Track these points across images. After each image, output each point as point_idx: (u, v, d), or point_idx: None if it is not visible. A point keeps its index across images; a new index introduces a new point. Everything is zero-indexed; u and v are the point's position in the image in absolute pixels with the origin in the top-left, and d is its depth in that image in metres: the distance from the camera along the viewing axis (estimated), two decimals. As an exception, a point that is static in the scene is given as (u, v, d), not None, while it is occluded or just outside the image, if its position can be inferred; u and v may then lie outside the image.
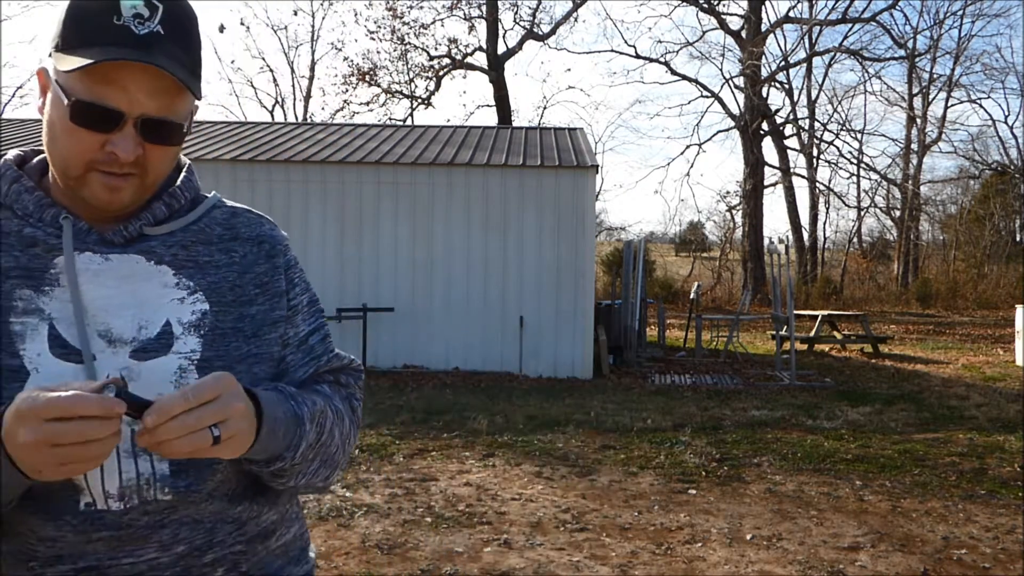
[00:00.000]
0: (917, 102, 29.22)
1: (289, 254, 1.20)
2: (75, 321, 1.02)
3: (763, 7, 25.07)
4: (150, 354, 1.04)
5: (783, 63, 27.28)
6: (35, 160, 1.12)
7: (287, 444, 1.06)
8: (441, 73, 25.49)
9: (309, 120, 29.09)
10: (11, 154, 1.12)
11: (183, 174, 1.14)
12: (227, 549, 1.08)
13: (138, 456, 1.01)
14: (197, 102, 1.07)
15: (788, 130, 27.71)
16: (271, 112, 33.27)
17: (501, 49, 24.42)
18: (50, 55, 1.01)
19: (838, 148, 37.43)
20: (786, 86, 28.01)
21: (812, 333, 13.26)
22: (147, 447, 0.90)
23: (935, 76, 28.51)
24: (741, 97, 26.20)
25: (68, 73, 0.96)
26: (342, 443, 1.17)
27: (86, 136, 0.98)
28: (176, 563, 1.04)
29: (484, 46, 24.54)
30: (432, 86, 25.79)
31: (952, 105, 30.20)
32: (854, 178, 33.65)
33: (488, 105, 25.92)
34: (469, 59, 25.09)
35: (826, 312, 14.02)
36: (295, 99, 39.24)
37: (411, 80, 25.90)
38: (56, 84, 0.99)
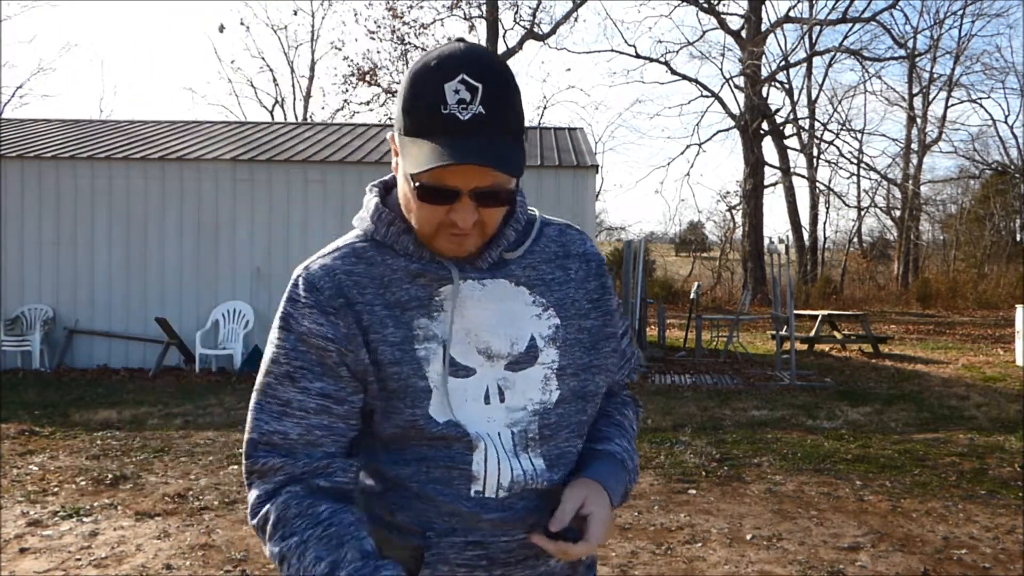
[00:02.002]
0: (917, 102, 29.23)
1: (604, 267, 1.35)
2: (463, 341, 1.19)
3: (763, 7, 25.07)
4: (522, 366, 1.21)
5: (783, 63, 27.27)
6: (394, 194, 1.25)
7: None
8: (441, 73, 25.42)
9: (309, 120, 29.08)
10: (373, 192, 1.27)
11: (518, 198, 1.27)
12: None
13: (519, 455, 1.20)
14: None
15: (788, 130, 27.70)
16: (271, 112, 33.28)
17: (501, 49, 24.42)
18: (395, 128, 1.16)
19: (838, 148, 37.39)
20: (786, 86, 28.02)
21: (812, 333, 13.26)
22: (555, 551, 1.16)
23: (935, 76, 28.52)
24: (741, 97, 26.20)
25: (404, 136, 1.13)
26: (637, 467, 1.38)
27: (432, 209, 1.13)
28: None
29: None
30: (432, 86, 25.71)
31: (952, 105, 30.24)
32: (854, 178, 33.62)
33: (488, 105, 25.84)
34: (469, 59, 25.03)
35: (826, 312, 14.01)
36: (295, 99, 39.20)
37: (411, 80, 25.83)
38: (407, 170, 1.13)
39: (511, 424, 1.20)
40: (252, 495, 1.19)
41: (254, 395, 1.22)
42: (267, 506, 1.16)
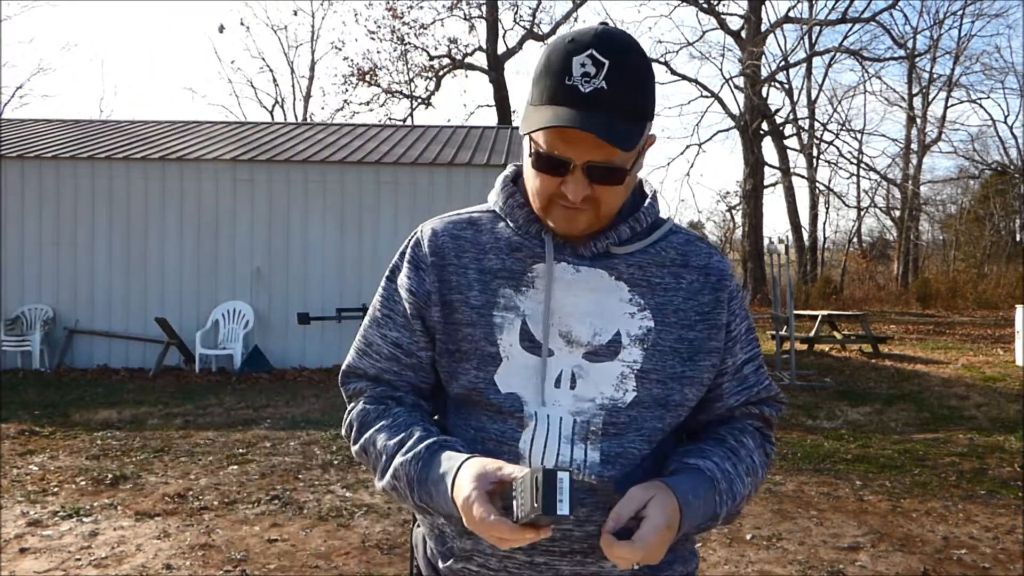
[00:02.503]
0: (917, 102, 29.22)
1: (732, 284, 1.31)
2: (542, 321, 1.20)
3: (763, 7, 25.05)
4: (600, 358, 1.21)
5: (783, 63, 27.26)
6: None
7: (698, 533, 1.24)
8: (441, 73, 25.48)
9: (309, 120, 29.08)
10: (509, 169, 1.33)
11: (648, 200, 1.29)
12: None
13: (575, 444, 1.18)
14: (651, 133, 1.20)
15: (788, 130, 27.70)
16: (271, 112, 33.30)
17: (501, 49, 24.42)
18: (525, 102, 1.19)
19: (838, 148, 37.46)
20: (786, 86, 28.02)
21: (812, 333, 13.25)
22: (606, 548, 1.09)
23: (935, 76, 28.50)
24: (741, 97, 26.19)
25: (530, 107, 1.16)
26: (750, 497, 1.29)
27: (545, 179, 1.16)
28: (584, 539, 1.18)
29: (484, 46, 24.53)
30: (432, 86, 25.79)
31: (952, 105, 30.24)
32: (854, 178, 33.68)
33: (488, 105, 25.91)
34: (469, 59, 25.09)
35: (826, 312, 14.00)
36: (295, 99, 39.23)
37: (411, 80, 25.91)
38: (528, 136, 1.18)
39: (576, 413, 1.19)
40: (347, 411, 1.34)
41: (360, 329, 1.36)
42: (350, 416, 1.31)
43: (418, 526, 1.36)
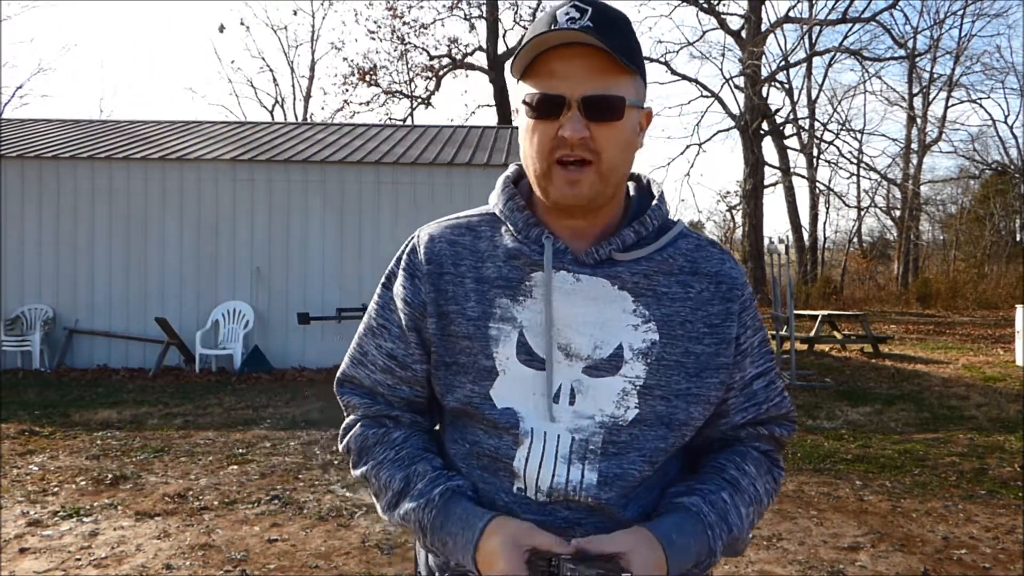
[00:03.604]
0: (917, 102, 29.23)
1: (746, 294, 1.22)
2: (542, 332, 1.14)
3: (763, 7, 25.06)
4: (600, 372, 1.14)
5: (783, 63, 27.27)
6: (526, 179, 1.23)
7: (693, 570, 1.16)
8: (441, 73, 25.48)
9: (309, 120, 29.07)
10: (511, 169, 1.26)
11: (655, 201, 1.21)
12: None
13: (572, 463, 1.13)
14: (643, 97, 1.14)
15: (788, 130, 27.71)
16: (271, 112, 33.31)
17: (501, 49, 24.41)
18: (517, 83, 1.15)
19: (838, 148, 37.47)
20: (786, 86, 28.03)
21: (812, 333, 13.25)
22: None
23: (935, 76, 28.52)
24: (741, 97, 26.21)
25: (519, 82, 1.12)
26: (752, 525, 1.23)
27: (540, 128, 1.09)
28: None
29: (484, 46, 24.53)
30: (432, 86, 25.80)
31: (952, 105, 30.24)
32: (854, 178, 33.66)
33: (488, 105, 25.92)
34: (469, 59, 25.09)
35: (826, 312, 14.00)
36: (295, 99, 39.23)
37: (411, 80, 25.92)
38: (520, 102, 1.13)
39: (575, 430, 1.13)
40: (343, 425, 1.30)
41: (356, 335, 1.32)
42: (347, 437, 1.27)
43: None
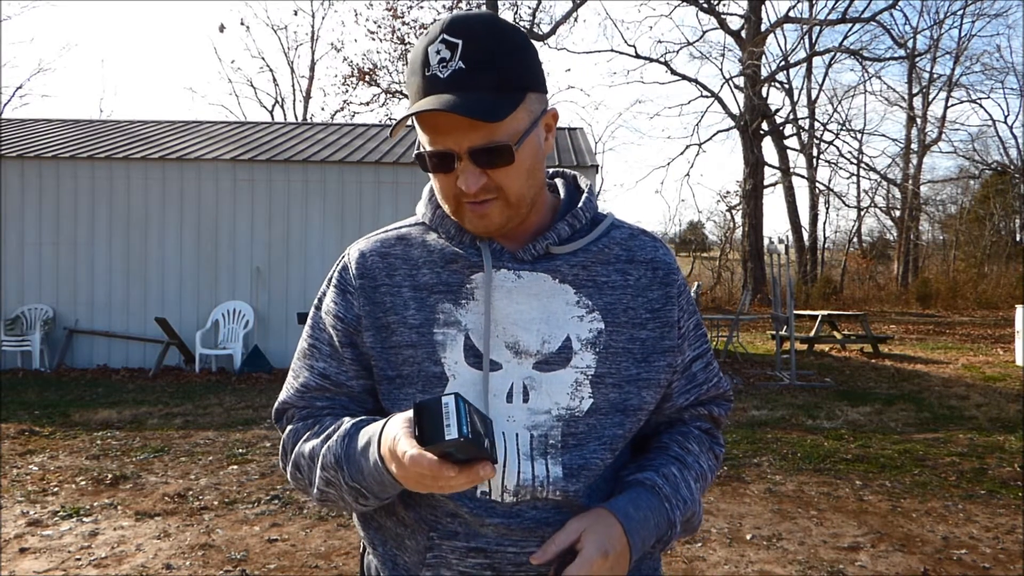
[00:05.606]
0: (917, 102, 29.24)
1: (680, 279, 1.24)
2: (484, 334, 1.13)
3: (763, 7, 25.06)
4: (551, 366, 1.14)
5: (783, 63, 27.27)
6: None
7: (656, 546, 1.19)
8: (441, 73, 25.42)
9: (309, 120, 29.08)
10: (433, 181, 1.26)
11: (585, 195, 1.22)
12: None
13: (535, 460, 1.12)
14: (540, 107, 1.12)
15: (788, 130, 27.71)
16: (271, 112, 33.31)
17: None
18: None
19: (838, 148, 37.52)
20: (786, 86, 28.02)
21: (812, 333, 13.26)
22: None
23: (935, 76, 28.52)
24: (741, 97, 26.19)
25: (412, 130, 1.07)
26: (699, 502, 1.25)
27: (442, 178, 1.10)
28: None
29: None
30: (432, 86, 25.71)
31: (952, 105, 30.26)
32: (854, 178, 33.72)
33: (488, 105, 25.83)
34: (469, 59, 25.02)
35: (826, 312, 14.01)
36: (295, 99, 39.22)
37: (411, 80, 25.83)
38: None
39: (532, 427, 1.12)
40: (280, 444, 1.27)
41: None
42: (282, 442, 1.24)
43: (370, 554, 1.28)
